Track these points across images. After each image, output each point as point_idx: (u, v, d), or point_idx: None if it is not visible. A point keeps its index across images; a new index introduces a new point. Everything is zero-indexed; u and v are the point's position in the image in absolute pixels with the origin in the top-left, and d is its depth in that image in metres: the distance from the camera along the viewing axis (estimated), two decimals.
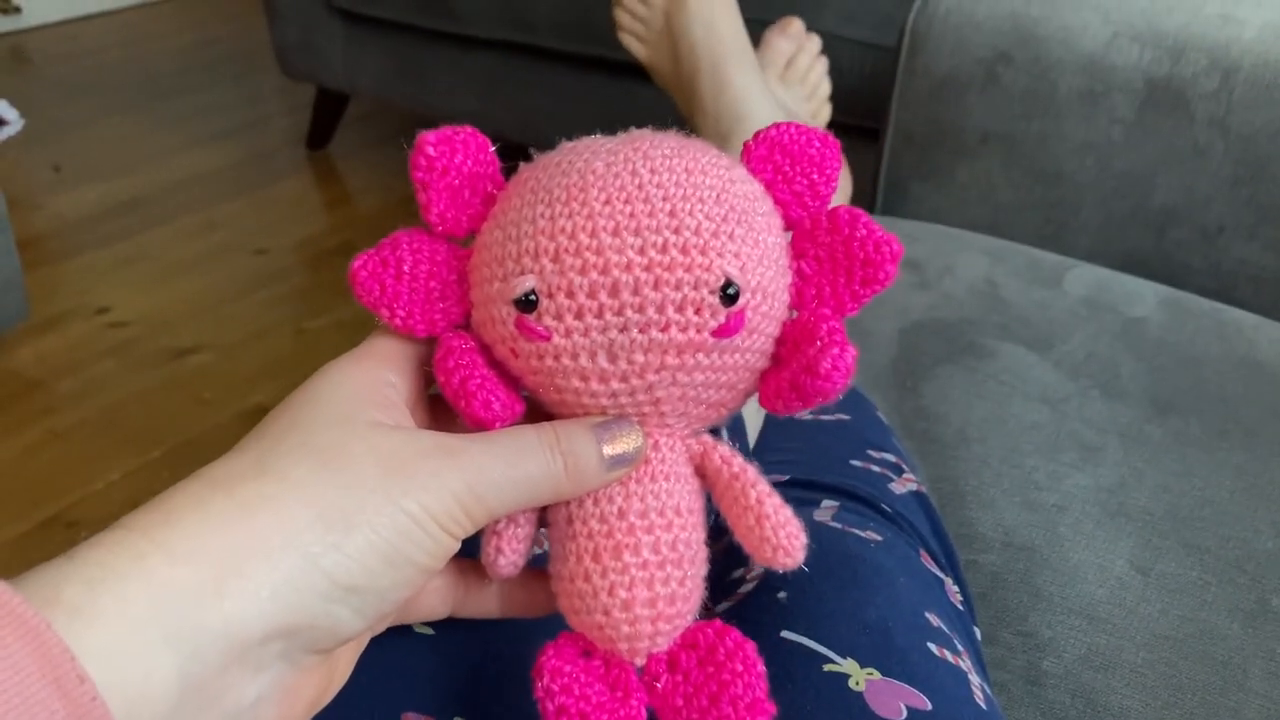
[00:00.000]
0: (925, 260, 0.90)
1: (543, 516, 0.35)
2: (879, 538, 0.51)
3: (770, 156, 0.35)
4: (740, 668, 0.34)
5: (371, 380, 0.32)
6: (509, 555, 0.34)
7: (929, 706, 0.41)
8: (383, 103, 2.02)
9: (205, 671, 0.25)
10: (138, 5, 3.13)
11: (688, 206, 0.31)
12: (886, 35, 1.29)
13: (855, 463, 0.59)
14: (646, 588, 0.33)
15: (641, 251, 0.31)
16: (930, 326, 0.82)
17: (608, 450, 0.32)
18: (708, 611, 0.49)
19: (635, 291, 0.31)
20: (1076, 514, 0.66)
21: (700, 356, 0.32)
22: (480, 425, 0.32)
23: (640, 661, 0.34)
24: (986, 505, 0.67)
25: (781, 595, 0.46)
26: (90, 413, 1.51)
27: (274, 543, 0.27)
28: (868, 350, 0.80)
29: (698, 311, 0.31)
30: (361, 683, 0.37)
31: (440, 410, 0.35)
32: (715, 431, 0.50)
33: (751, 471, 0.35)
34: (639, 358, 0.32)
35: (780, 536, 0.34)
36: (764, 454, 0.60)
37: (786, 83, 1.08)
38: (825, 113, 1.12)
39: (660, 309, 0.31)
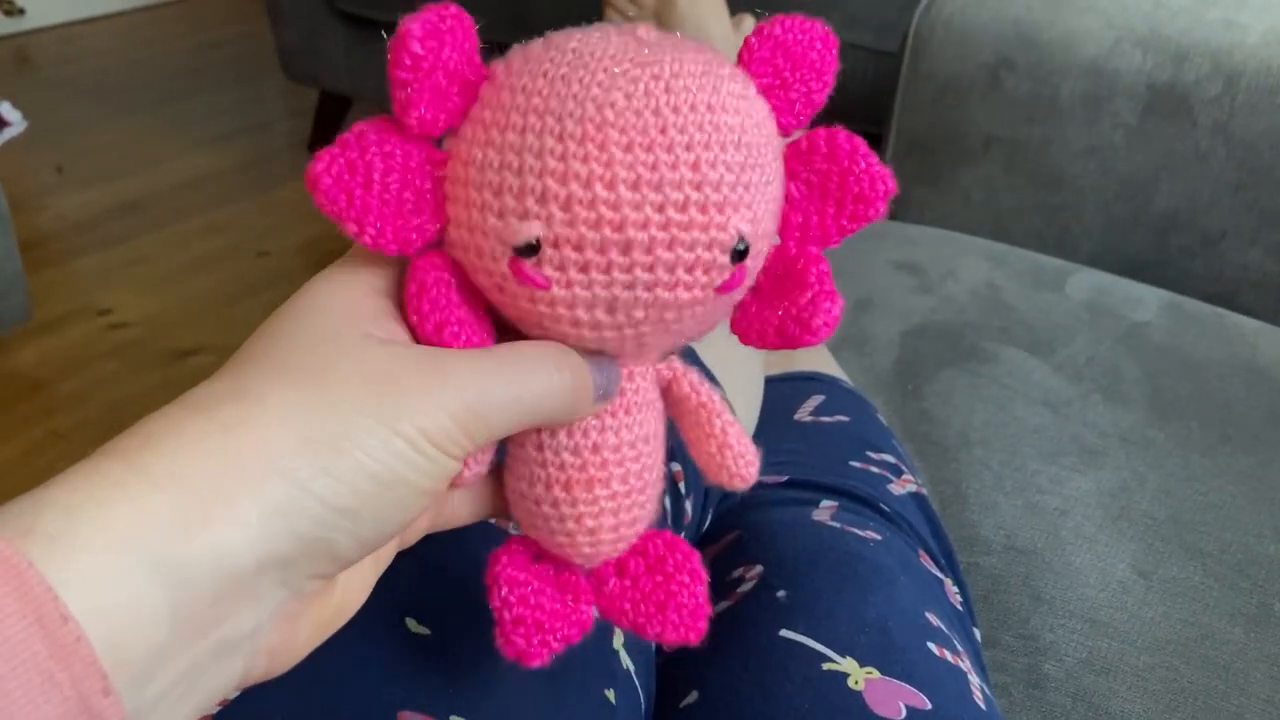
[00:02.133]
0: (927, 264, 0.90)
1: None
2: (878, 537, 0.51)
3: (772, 59, 0.32)
4: (687, 579, 0.34)
5: (362, 291, 0.30)
6: (473, 467, 0.32)
7: (928, 706, 0.41)
8: (385, 106, 2.01)
9: (196, 601, 0.24)
10: (141, 8, 3.13)
11: (710, 155, 0.29)
12: (889, 40, 1.29)
13: (854, 463, 0.59)
14: (613, 516, 0.33)
15: (661, 209, 0.28)
16: (932, 330, 0.82)
17: (598, 380, 0.31)
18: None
19: (648, 251, 0.29)
20: (1078, 517, 0.66)
21: (698, 309, 0.31)
22: None
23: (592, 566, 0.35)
24: (988, 508, 0.67)
25: (781, 594, 0.46)
26: (92, 414, 1.51)
27: (258, 467, 0.25)
28: (869, 354, 0.80)
29: (707, 271, 0.29)
30: (358, 681, 0.37)
31: None
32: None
33: (718, 400, 0.34)
34: (639, 313, 0.30)
35: (740, 465, 0.34)
36: (762, 455, 0.59)
37: None
38: None
39: (671, 269, 0.29)
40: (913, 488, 0.60)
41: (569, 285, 0.29)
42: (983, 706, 0.44)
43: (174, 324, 1.71)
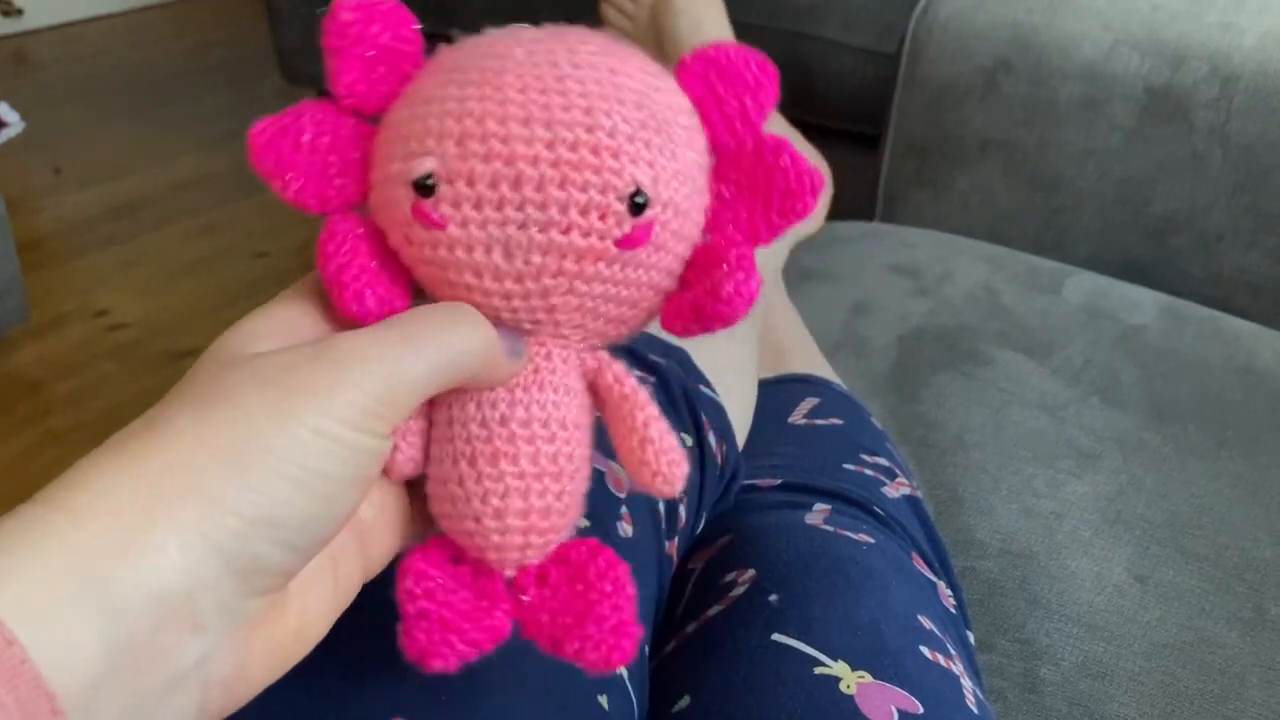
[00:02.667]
0: (924, 267, 0.89)
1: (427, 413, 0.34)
2: (871, 540, 0.51)
3: (705, 74, 0.33)
4: (609, 589, 0.33)
5: (276, 319, 0.30)
6: (404, 450, 0.32)
7: (920, 710, 0.41)
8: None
9: (132, 633, 0.24)
10: (139, 8, 3.13)
11: (605, 106, 0.30)
12: (887, 43, 1.29)
13: (848, 466, 0.59)
14: (521, 498, 0.32)
15: (551, 146, 0.29)
16: (929, 333, 0.82)
17: (505, 343, 0.31)
18: (699, 615, 0.49)
19: (539, 188, 0.29)
20: (1075, 521, 0.66)
21: (601, 266, 0.30)
22: (351, 319, 0.31)
23: (510, 572, 0.33)
24: (984, 512, 0.66)
25: (773, 598, 0.46)
26: (89, 415, 1.51)
27: (170, 490, 0.25)
28: (866, 357, 0.80)
29: (602, 217, 0.30)
30: (348, 687, 0.37)
31: None
32: (700, 433, 0.49)
33: (643, 394, 0.33)
34: (536, 259, 0.30)
35: (661, 462, 0.33)
36: (755, 458, 0.59)
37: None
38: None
39: (563, 209, 0.29)
40: (907, 491, 0.60)
41: (464, 224, 0.30)
42: (975, 710, 0.44)
43: (171, 325, 1.71)
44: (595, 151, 0.29)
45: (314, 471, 0.26)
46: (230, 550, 0.25)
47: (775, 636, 0.44)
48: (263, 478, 0.26)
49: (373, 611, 0.36)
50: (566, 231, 0.30)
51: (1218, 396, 0.75)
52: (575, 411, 0.33)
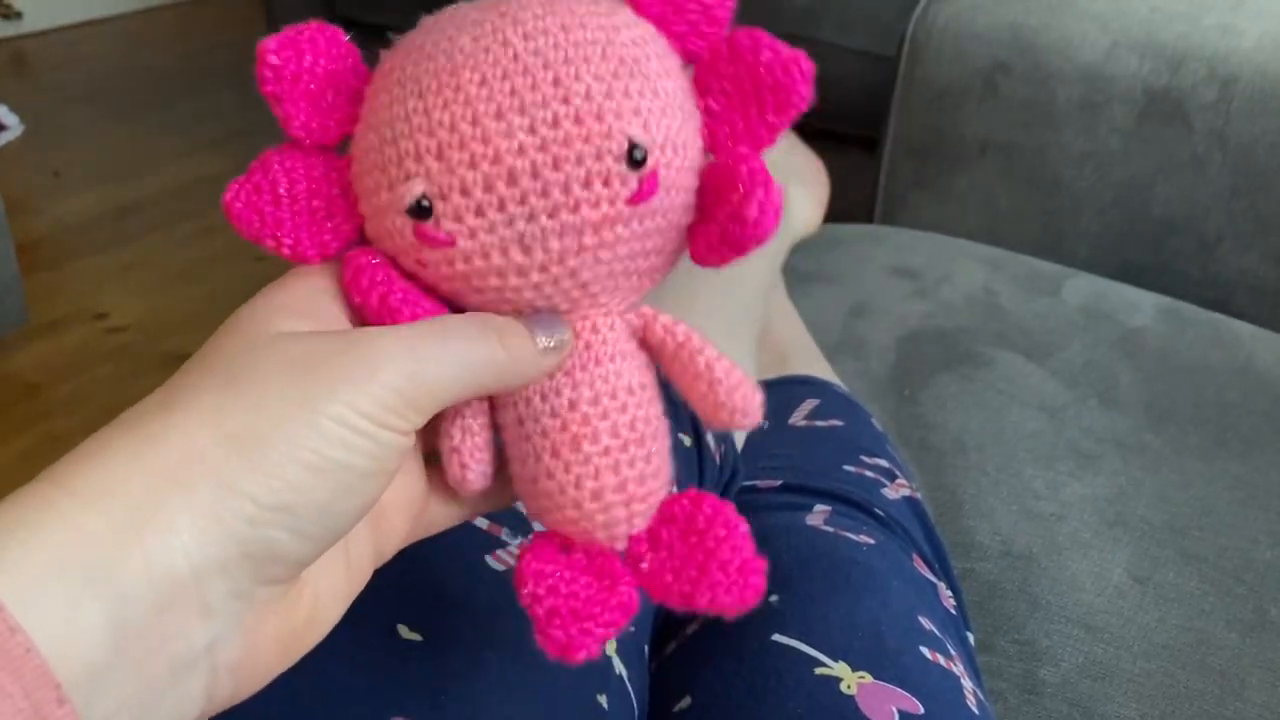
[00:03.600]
0: (923, 269, 0.89)
1: (495, 422, 0.33)
2: (871, 541, 0.51)
3: None
4: (723, 532, 0.32)
5: (295, 295, 0.30)
6: (474, 467, 0.32)
7: (921, 710, 0.41)
8: None
9: (138, 617, 0.24)
10: (138, 11, 3.13)
11: (571, 70, 0.29)
12: (886, 45, 1.29)
13: (848, 468, 0.59)
14: (613, 473, 0.32)
15: (531, 130, 0.28)
16: (928, 335, 0.82)
17: (540, 339, 0.30)
18: (699, 616, 0.49)
19: (534, 175, 0.28)
20: (1074, 523, 0.65)
21: (619, 229, 0.30)
22: None
23: (622, 545, 0.33)
24: (984, 514, 0.66)
25: (773, 599, 0.46)
26: (88, 417, 1.51)
27: (184, 473, 0.25)
28: (865, 359, 0.80)
29: (606, 183, 0.29)
30: (349, 687, 0.37)
31: None
32: (699, 436, 0.49)
33: (697, 337, 0.33)
34: (554, 244, 0.29)
35: (735, 399, 0.32)
36: (755, 459, 0.59)
37: None
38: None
39: (565, 189, 0.29)
40: (907, 492, 0.60)
41: (472, 234, 0.29)
42: (976, 711, 0.44)
43: (170, 327, 1.71)
44: (577, 120, 0.28)
45: (334, 461, 0.26)
46: (244, 535, 0.25)
47: (776, 637, 0.44)
48: (281, 464, 0.25)
49: (374, 608, 0.36)
50: (576, 209, 0.29)
51: (1217, 398, 0.75)
52: (637, 374, 0.33)
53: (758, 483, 0.58)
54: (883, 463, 0.61)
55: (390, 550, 0.32)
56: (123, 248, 1.93)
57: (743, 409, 0.32)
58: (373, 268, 0.30)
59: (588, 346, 0.32)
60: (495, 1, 0.30)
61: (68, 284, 1.82)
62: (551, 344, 0.31)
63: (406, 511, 0.33)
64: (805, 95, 0.31)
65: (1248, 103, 0.87)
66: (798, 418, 0.64)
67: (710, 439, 0.53)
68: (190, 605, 0.25)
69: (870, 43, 1.38)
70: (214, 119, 2.45)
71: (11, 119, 2.33)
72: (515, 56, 0.29)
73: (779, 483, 0.57)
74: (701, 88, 0.32)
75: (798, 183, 0.93)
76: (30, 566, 0.23)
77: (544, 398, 0.32)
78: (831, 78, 1.38)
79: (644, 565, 0.33)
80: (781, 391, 0.67)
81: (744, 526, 0.33)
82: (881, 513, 0.55)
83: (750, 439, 0.61)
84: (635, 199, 0.29)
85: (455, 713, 0.38)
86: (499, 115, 0.28)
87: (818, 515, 0.53)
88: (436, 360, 0.28)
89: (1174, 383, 0.76)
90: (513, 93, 0.28)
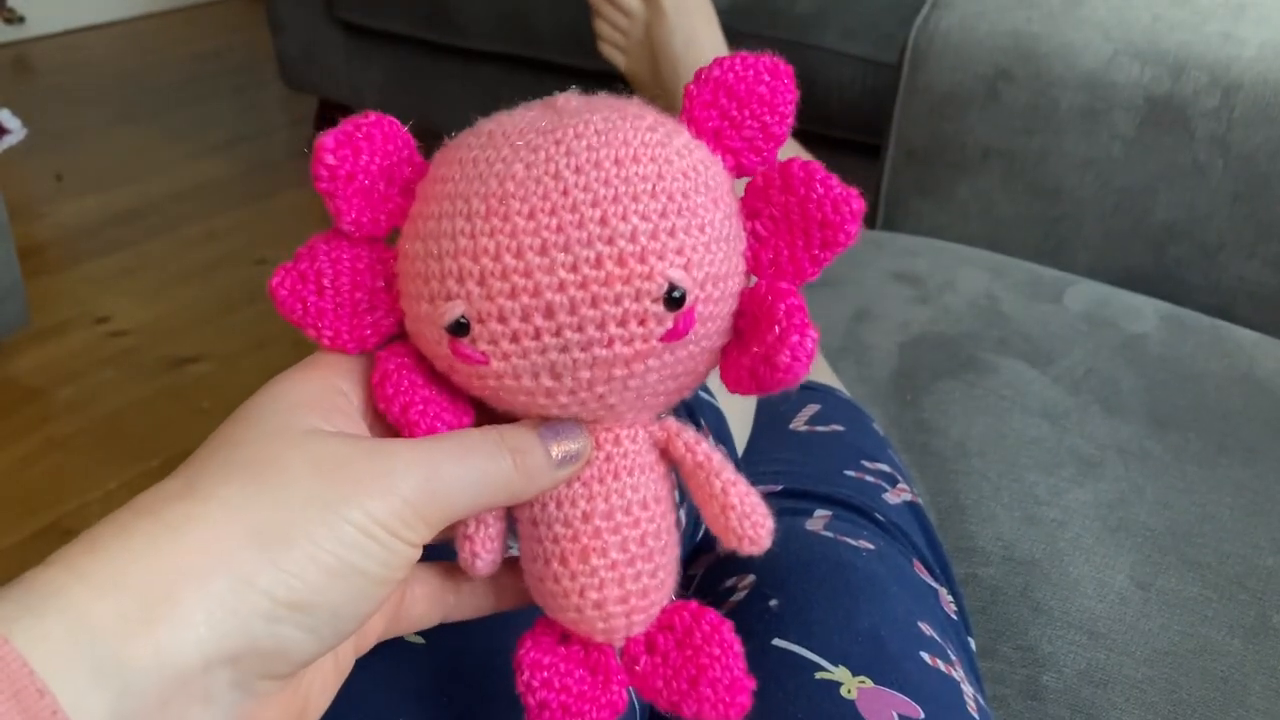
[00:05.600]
0: (926, 275, 0.89)
1: (510, 513, 0.34)
2: (871, 546, 0.51)
3: (715, 101, 0.31)
4: (718, 651, 0.33)
5: (317, 389, 0.30)
6: (484, 556, 0.33)
7: (921, 715, 0.41)
8: (385, 114, 2.02)
9: (141, 707, 0.24)
10: (141, 16, 3.14)
11: (619, 209, 0.29)
12: (888, 52, 1.29)
13: (849, 473, 0.59)
14: (618, 586, 0.32)
15: (573, 269, 0.28)
16: (930, 341, 0.82)
17: (554, 449, 0.31)
18: None
19: (571, 311, 0.29)
20: (1076, 529, 0.65)
21: (651, 361, 0.30)
22: None
23: (619, 645, 0.34)
24: (986, 519, 0.66)
25: (774, 603, 0.46)
26: (89, 421, 1.51)
27: (204, 564, 0.25)
28: (867, 364, 0.80)
29: (641, 323, 0.29)
30: (353, 693, 0.37)
31: None
32: (698, 430, 0.49)
33: (717, 459, 0.33)
34: (584, 374, 0.30)
35: (745, 526, 0.32)
36: (756, 463, 0.59)
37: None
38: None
39: (601, 326, 0.29)
40: (908, 497, 0.60)
41: (505, 357, 0.30)
42: (976, 716, 0.44)
43: (172, 332, 1.71)
44: (620, 261, 0.28)
45: (350, 565, 0.27)
46: (258, 631, 0.25)
47: (776, 641, 0.44)
48: (301, 564, 0.26)
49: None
50: (609, 345, 0.29)
51: (1218, 405, 0.75)
52: (654, 487, 0.33)
53: (758, 488, 0.58)
54: (884, 468, 0.61)
55: (368, 646, 0.33)
56: (125, 252, 1.93)
57: (752, 537, 0.32)
58: (398, 375, 0.31)
59: (608, 458, 0.32)
60: (552, 123, 0.30)
61: (70, 288, 1.82)
62: (566, 455, 0.31)
63: (385, 612, 0.34)
64: (853, 235, 0.31)
65: (1249, 110, 0.87)
66: (799, 422, 0.64)
67: (710, 441, 0.53)
68: (193, 694, 0.25)
69: (873, 49, 1.38)
70: (216, 124, 2.45)
71: (14, 123, 2.33)
72: (565, 191, 0.29)
73: (780, 487, 0.57)
74: (750, 210, 0.32)
75: None
76: (38, 657, 0.23)
77: (559, 505, 0.32)
78: (834, 84, 1.39)
79: (638, 667, 0.33)
80: (783, 396, 0.67)
81: (738, 646, 0.33)
82: (882, 518, 0.55)
83: (752, 443, 0.61)
84: (669, 337, 0.30)
85: (458, 717, 0.38)
86: (543, 251, 0.29)
87: (818, 520, 0.53)
88: (451, 479, 0.29)
89: (1176, 389, 0.76)
90: (559, 229, 0.28)
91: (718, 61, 0.32)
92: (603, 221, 0.28)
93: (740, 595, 0.48)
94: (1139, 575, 0.63)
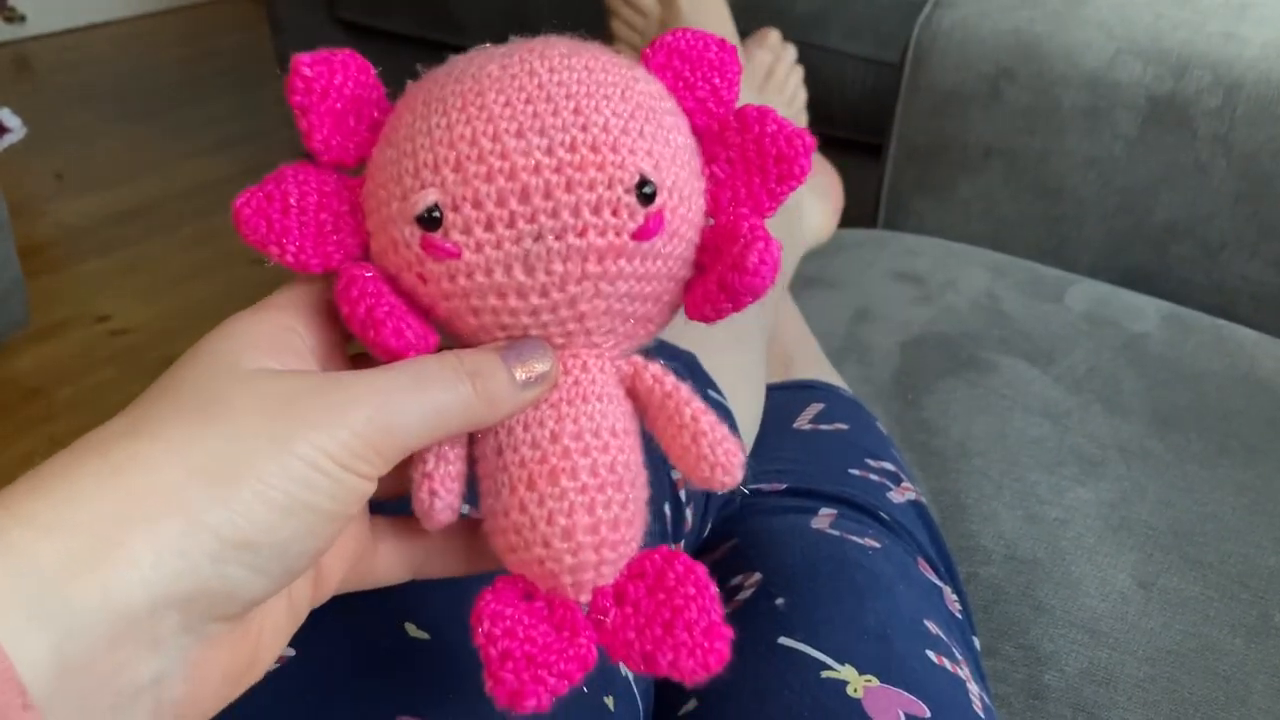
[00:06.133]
0: (927, 274, 0.90)
1: (471, 454, 0.33)
2: (877, 545, 0.51)
3: (669, 63, 0.33)
4: (693, 591, 0.32)
5: (268, 328, 0.30)
6: (444, 496, 0.31)
7: (927, 714, 0.41)
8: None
9: (87, 650, 0.23)
10: (141, 15, 3.14)
11: (593, 103, 0.30)
12: (890, 50, 1.29)
13: (853, 471, 0.59)
14: (587, 513, 0.31)
15: (549, 152, 0.29)
16: (932, 340, 0.82)
17: (519, 371, 0.30)
18: None
19: (546, 195, 0.29)
20: (1078, 528, 0.65)
21: (622, 262, 0.30)
22: (393, 356, 0.30)
23: (585, 598, 0.32)
24: (988, 518, 0.66)
25: (780, 602, 0.46)
26: (90, 420, 1.48)
27: (151, 505, 0.25)
28: (869, 364, 0.80)
29: (614, 212, 0.29)
30: (355, 685, 0.37)
31: (363, 366, 0.31)
32: None
33: (685, 389, 0.33)
34: (557, 267, 0.30)
35: (718, 453, 0.32)
36: (760, 462, 0.59)
37: (765, 93, 1.08)
38: (802, 120, 1.12)
39: (575, 212, 0.29)
40: (912, 495, 0.60)
41: (479, 247, 0.30)
42: (981, 715, 0.44)
43: (172, 330, 1.71)
44: (594, 148, 0.29)
45: (300, 501, 0.26)
46: (206, 571, 0.25)
47: (782, 640, 0.44)
48: (249, 502, 0.25)
49: (382, 606, 0.36)
50: (582, 234, 0.29)
51: (1220, 405, 0.75)
52: (623, 418, 0.33)
53: (762, 486, 0.58)
54: (888, 466, 0.61)
55: (326, 594, 0.32)
56: (125, 251, 1.93)
57: (725, 465, 0.32)
58: (364, 280, 0.30)
59: (576, 383, 0.32)
60: (526, 41, 0.32)
61: (70, 287, 1.82)
62: (531, 377, 0.31)
63: (344, 559, 0.33)
64: (806, 169, 0.32)
65: (1252, 109, 0.88)
66: (803, 421, 0.64)
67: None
68: (141, 638, 0.24)
69: (875, 48, 1.38)
70: (216, 123, 2.45)
71: (14, 122, 2.33)
72: (540, 85, 0.30)
73: (784, 486, 0.57)
74: (708, 156, 0.33)
75: (811, 192, 0.93)
76: None
77: (526, 427, 0.32)
78: (835, 83, 1.39)
79: (606, 620, 0.32)
80: (786, 395, 0.67)
81: (714, 589, 0.32)
82: (887, 516, 0.55)
83: (756, 442, 0.61)
84: (640, 234, 0.30)
85: (463, 712, 0.38)
86: (519, 134, 0.29)
87: (823, 518, 0.53)
88: (405, 408, 0.28)
89: (1177, 389, 0.76)
90: (535, 115, 0.29)
91: (670, 31, 0.34)
92: (577, 111, 0.29)
93: (746, 594, 0.48)
94: (1141, 574, 0.63)
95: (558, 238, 0.29)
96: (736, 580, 0.50)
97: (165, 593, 0.24)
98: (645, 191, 0.30)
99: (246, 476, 0.26)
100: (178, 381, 0.28)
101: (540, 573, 0.32)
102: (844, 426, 0.64)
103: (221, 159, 2.28)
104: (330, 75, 0.32)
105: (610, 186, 0.29)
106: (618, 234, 0.30)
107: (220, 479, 0.25)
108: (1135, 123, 0.92)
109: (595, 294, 0.31)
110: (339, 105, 0.32)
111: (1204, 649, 0.59)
